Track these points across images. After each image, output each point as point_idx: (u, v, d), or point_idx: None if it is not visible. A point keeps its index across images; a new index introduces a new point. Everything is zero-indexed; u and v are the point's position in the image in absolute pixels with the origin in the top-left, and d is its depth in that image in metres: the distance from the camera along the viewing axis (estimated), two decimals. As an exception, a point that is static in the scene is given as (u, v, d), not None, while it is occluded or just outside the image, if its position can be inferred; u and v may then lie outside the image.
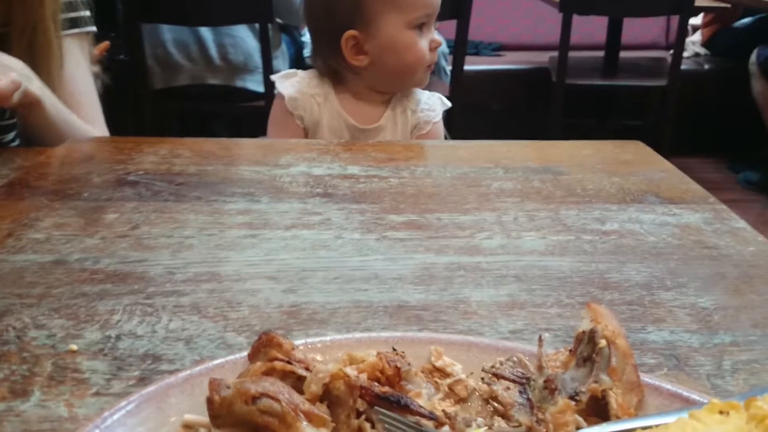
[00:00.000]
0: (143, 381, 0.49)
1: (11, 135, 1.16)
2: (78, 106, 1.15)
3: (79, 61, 1.18)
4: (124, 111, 2.79)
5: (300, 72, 1.28)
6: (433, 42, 1.23)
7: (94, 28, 1.22)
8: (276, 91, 1.26)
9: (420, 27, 1.21)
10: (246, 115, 2.55)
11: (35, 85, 1.01)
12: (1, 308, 0.58)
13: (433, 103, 1.29)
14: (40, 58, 1.08)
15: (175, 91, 2.64)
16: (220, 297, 0.60)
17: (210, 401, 0.38)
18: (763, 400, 0.35)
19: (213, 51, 2.59)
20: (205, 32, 2.57)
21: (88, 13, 1.20)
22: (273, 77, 1.27)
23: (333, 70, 1.26)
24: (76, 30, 1.18)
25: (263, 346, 0.43)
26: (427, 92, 1.31)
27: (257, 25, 2.46)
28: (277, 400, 0.38)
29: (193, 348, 0.53)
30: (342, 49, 1.21)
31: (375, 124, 1.25)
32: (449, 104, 1.31)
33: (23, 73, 0.99)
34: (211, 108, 2.68)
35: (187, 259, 0.67)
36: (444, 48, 3.34)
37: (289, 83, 1.25)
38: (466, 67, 2.88)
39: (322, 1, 1.23)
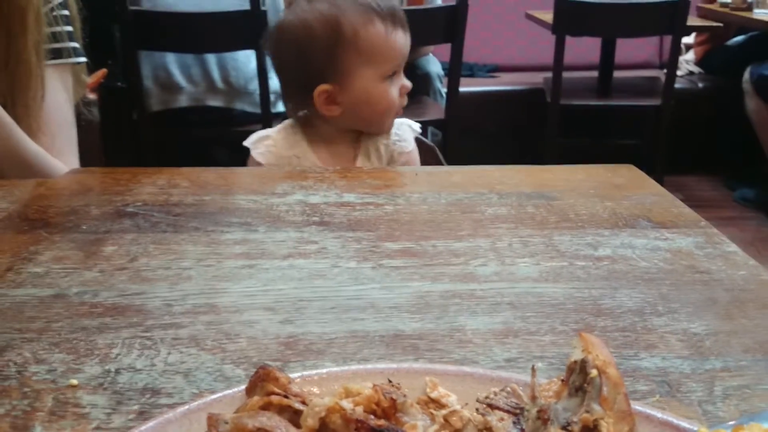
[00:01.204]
0: (143, 415, 0.49)
1: None
2: (52, 136, 1.15)
3: (57, 91, 1.18)
4: (122, 137, 2.81)
5: (272, 133, 1.29)
6: (402, 88, 1.26)
7: (82, 59, 1.23)
8: (250, 158, 1.26)
9: (391, 76, 1.24)
10: (244, 138, 2.58)
11: None
12: (2, 343, 0.59)
13: (402, 133, 1.31)
14: (20, 89, 1.09)
15: (173, 113, 2.66)
16: (218, 329, 0.61)
17: (208, 437, 0.39)
18: (749, 429, 0.36)
19: (215, 73, 2.61)
20: (209, 54, 2.59)
21: (74, 44, 1.20)
22: (246, 143, 1.28)
23: (303, 116, 1.29)
24: (59, 61, 1.18)
25: (260, 381, 0.44)
26: (397, 121, 1.33)
27: (255, 50, 2.48)
28: (275, 435, 0.39)
29: (192, 381, 0.54)
30: (314, 100, 1.23)
31: (329, 168, 1.27)
32: (419, 129, 1.34)
33: None
34: (209, 134, 2.69)
35: (185, 291, 0.68)
36: (439, 70, 3.37)
37: (265, 148, 1.26)
38: (461, 89, 2.90)
39: (295, 54, 1.23)
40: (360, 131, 1.30)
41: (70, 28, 1.20)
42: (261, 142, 1.27)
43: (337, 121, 1.26)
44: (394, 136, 1.30)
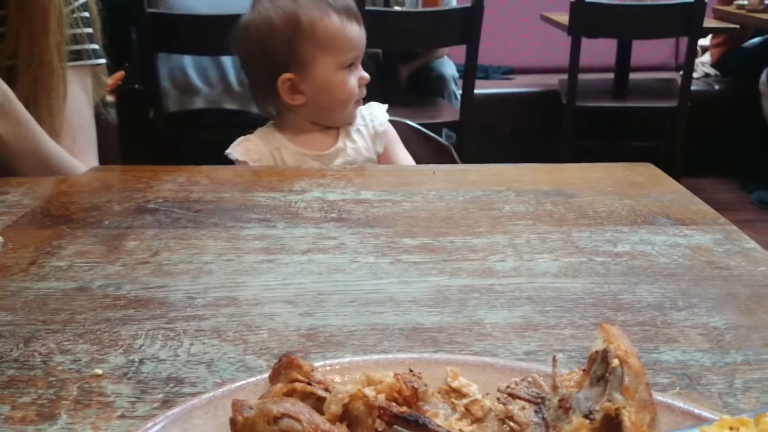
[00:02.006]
0: (167, 403, 0.50)
1: None
2: (73, 137, 1.17)
3: (78, 93, 1.19)
4: (139, 139, 2.83)
5: (250, 136, 1.35)
6: (361, 79, 1.33)
7: (102, 61, 1.24)
8: (235, 158, 1.31)
9: (349, 67, 1.31)
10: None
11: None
12: (27, 334, 0.60)
13: (374, 111, 1.39)
14: (43, 89, 1.10)
15: (189, 114, 2.67)
16: (240, 321, 0.62)
17: (233, 422, 0.40)
18: (773, 417, 0.36)
19: (232, 76, 2.62)
20: (225, 57, 2.61)
21: (94, 46, 1.22)
22: (227, 151, 1.33)
23: (276, 116, 1.37)
24: (79, 62, 1.19)
25: (284, 368, 0.44)
26: (365, 105, 1.40)
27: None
28: (299, 421, 0.39)
29: (215, 371, 0.54)
30: (278, 90, 1.31)
31: (333, 147, 1.33)
32: (385, 105, 1.41)
33: None
34: (224, 136, 2.71)
35: (206, 284, 0.69)
36: (454, 72, 3.38)
37: (244, 149, 1.32)
38: (476, 91, 2.90)
39: (258, 47, 1.32)
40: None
41: (90, 30, 1.21)
42: (240, 144, 1.34)
43: (303, 111, 1.33)
44: (367, 115, 1.37)
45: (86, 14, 1.20)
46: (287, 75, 1.30)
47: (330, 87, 1.31)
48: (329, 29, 1.28)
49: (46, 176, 1.05)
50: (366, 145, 1.35)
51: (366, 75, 1.34)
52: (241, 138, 1.36)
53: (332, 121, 1.35)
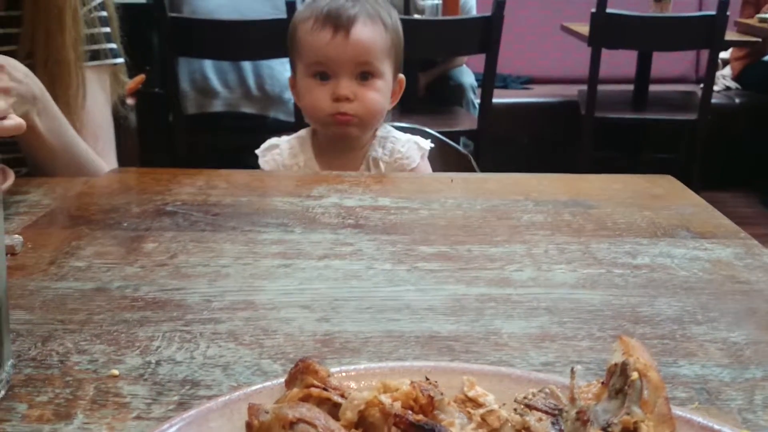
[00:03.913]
0: (182, 405, 0.50)
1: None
2: (94, 138, 1.17)
3: (97, 93, 1.20)
4: (157, 142, 2.85)
5: (282, 142, 1.32)
6: (333, 94, 1.22)
7: (120, 60, 1.24)
8: (260, 162, 1.30)
9: (322, 77, 1.23)
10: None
11: (36, 110, 1.01)
12: (45, 334, 0.60)
13: (407, 151, 1.29)
14: (60, 89, 1.10)
15: (207, 117, 2.69)
16: (256, 325, 0.62)
17: (249, 426, 0.40)
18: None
19: (251, 80, 2.64)
20: (245, 62, 2.62)
21: (112, 45, 1.22)
22: (258, 151, 1.31)
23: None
24: (97, 62, 1.20)
25: (300, 373, 0.44)
26: (405, 138, 1.31)
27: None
28: (314, 426, 0.39)
29: (230, 374, 0.54)
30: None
31: (363, 173, 1.27)
32: (427, 146, 1.31)
33: (27, 96, 0.98)
34: (242, 140, 2.73)
35: (223, 288, 0.69)
36: (472, 81, 3.37)
37: (271, 157, 1.30)
38: (495, 101, 2.90)
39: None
40: (364, 151, 1.30)
41: (107, 29, 1.21)
42: (269, 151, 1.31)
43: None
44: (397, 153, 1.29)
45: (104, 13, 1.21)
46: (291, 76, 1.32)
47: (298, 92, 1.28)
48: (302, 33, 1.25)
49: (75, 176, 1.06)
50: None
51: (342, 91, 1.22)
52: (273, 141, 1.32)
53: (322, 135, 1.30)
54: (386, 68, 1.26)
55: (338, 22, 1.22)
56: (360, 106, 1.24)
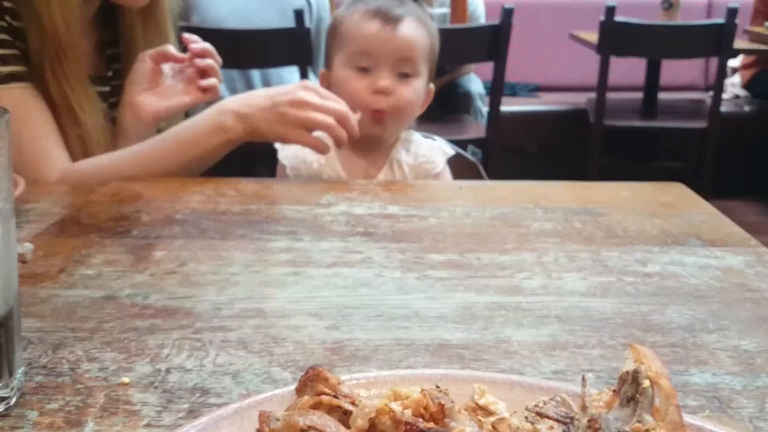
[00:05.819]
0: (192, 413, 0.50)
1: None
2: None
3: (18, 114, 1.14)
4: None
5: None
6: (376, 87, 1.23)
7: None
8: (279, 161, 1.29)
9: (362, 70, 1.24)
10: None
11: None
12: (55, 341, 0.60)
13: (432, 155, 1.30)
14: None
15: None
16: (266, 333, 0.62)
17: (260, 433, 0.39)
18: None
19: (259, 89, 2.64)
20: (253, 71, 2.63)
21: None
22: (278, 144, 1.30)
23: None
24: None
25: (310, 381, 0.44)
26: (428, 143, 1.33)
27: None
28: (325, 434, 0.39)
29: (240, 382, 0.54)
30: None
31: (372, 180, 1.26)
32: (451, 152, 1.33)
33: None
34: (251, 148, 2.73)
35: (233, 296, 0.69)
36: (480, 89, 3.38)
37: (291, 152, 1.28)
38: (503, 108, 2.90)
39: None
40: (387, 153, 1.29)
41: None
42: (289, 146, 1.29)
43: None
44: (422, 157, 1.30)
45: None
46: (323, 70, 1.32)
47: (336, 83, 1.26)
48: (348, 24, 1.27)
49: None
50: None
51: (383, 83, 1.23)
52: None
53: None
54: (423, 71, 1.28)
55: (387, 17, 1.25)
56: (396, 102, 1.25)
